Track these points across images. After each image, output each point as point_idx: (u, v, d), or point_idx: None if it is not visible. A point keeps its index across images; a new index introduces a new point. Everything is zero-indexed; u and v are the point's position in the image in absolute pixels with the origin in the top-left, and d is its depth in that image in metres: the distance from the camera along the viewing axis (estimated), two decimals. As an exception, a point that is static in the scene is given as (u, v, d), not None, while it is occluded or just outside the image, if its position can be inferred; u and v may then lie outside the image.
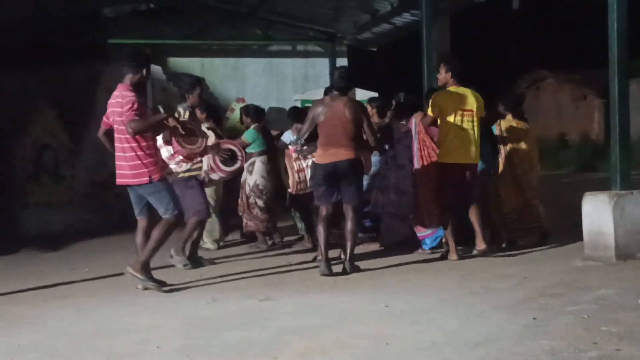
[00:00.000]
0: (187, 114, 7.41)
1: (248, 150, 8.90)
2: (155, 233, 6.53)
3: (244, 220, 9.28)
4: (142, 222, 6.76)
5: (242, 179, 9.20)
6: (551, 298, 5.39)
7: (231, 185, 9.32)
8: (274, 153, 9.19)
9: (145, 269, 6.52)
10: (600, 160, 16.71)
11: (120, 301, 6.26)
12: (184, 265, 7.75)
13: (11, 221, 11.56)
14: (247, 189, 9.18)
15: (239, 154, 7.91)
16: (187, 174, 7.63)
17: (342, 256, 7.25)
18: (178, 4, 14.41)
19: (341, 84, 7.08)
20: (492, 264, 7.14)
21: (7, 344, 4.91)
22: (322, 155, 7.02)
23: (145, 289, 6.47)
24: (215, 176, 7.94)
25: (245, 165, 8.86)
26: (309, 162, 7.38)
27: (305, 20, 14.54)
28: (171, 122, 6.53)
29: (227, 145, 7.93)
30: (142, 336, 4.98)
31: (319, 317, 5.26)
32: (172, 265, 7.78)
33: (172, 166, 6.91)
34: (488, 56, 23.47)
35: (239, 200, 9.30)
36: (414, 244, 8.05)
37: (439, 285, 6.18)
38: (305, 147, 7.32)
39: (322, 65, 15.08)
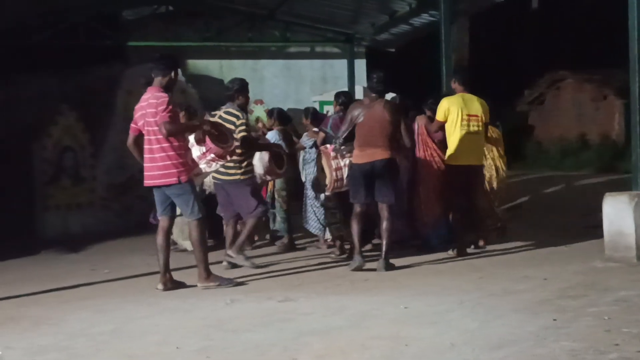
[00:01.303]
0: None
1: None
2: (194, 241, 6.68)
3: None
4: (164, 222, 6.81)
5: None
6: (571, 299, 5.36)
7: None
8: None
9: (209, 275, 6.67)
10: (621, 161, 16.58)
11: (140, 302, 6.29)
12: (249, 263, 7.73)
13: (32, 223, 11.66)
14: None
15: (284, 158, 8.15)
16: (243, 176, 7.64)
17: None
18: (197, 6, 14.46)
19: (380, 87, 7.39)
20: (512, 266, 7.11)
21: (28, 345, 4.96)
22: (360, 156, 7.25)
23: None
24: (269, 177, 8.30)
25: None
26: (346, 161, 7.53)
27: (324, 21, 14.54)
28: (206, 127, 6.76)
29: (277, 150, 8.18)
30: (162, 337, 5.01)
31: (338, 318, 5.26)
32: (193, 266, 7.80)
33: (202, 165, 6.99)
34: (507, 56, 23.36)
35: None
36: (409, 242, 8.41)
37: (458, 287, 6.15)
38: (343, 147, 7.54)
39: (340, 67, 15.07)
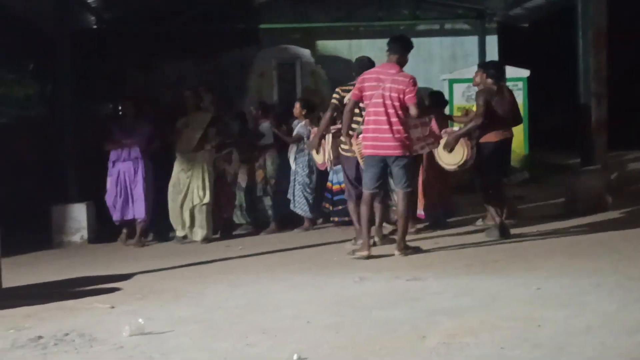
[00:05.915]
0: None
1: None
2: (400, 209, 7.17)
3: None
4: (371, 196, 7.23)
5: (222, 168, 9.65)
6: None
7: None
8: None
9: (406, 245, 7.18)
10: None
11: (271, 278, 6.46)
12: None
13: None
14: (229, 179, 9.62)
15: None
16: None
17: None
18: (326, -13, 14.54)
19: (497, 75, 8.17)
20: (653, 248, 6.81)
21: (169, 316, 5.20)
22: (495, 134, 7.97)
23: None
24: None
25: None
26: (473, 142, 8.04)
27: (454, -3, 14.30)
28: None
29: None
30: (293, 312, 5.12)
31: (468, 298, 5.21)
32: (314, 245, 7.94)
33: (416, 147, 7.23)
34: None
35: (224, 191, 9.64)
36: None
37: (593, 269, 5.96)
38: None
39: (470, 44, 14.77)
